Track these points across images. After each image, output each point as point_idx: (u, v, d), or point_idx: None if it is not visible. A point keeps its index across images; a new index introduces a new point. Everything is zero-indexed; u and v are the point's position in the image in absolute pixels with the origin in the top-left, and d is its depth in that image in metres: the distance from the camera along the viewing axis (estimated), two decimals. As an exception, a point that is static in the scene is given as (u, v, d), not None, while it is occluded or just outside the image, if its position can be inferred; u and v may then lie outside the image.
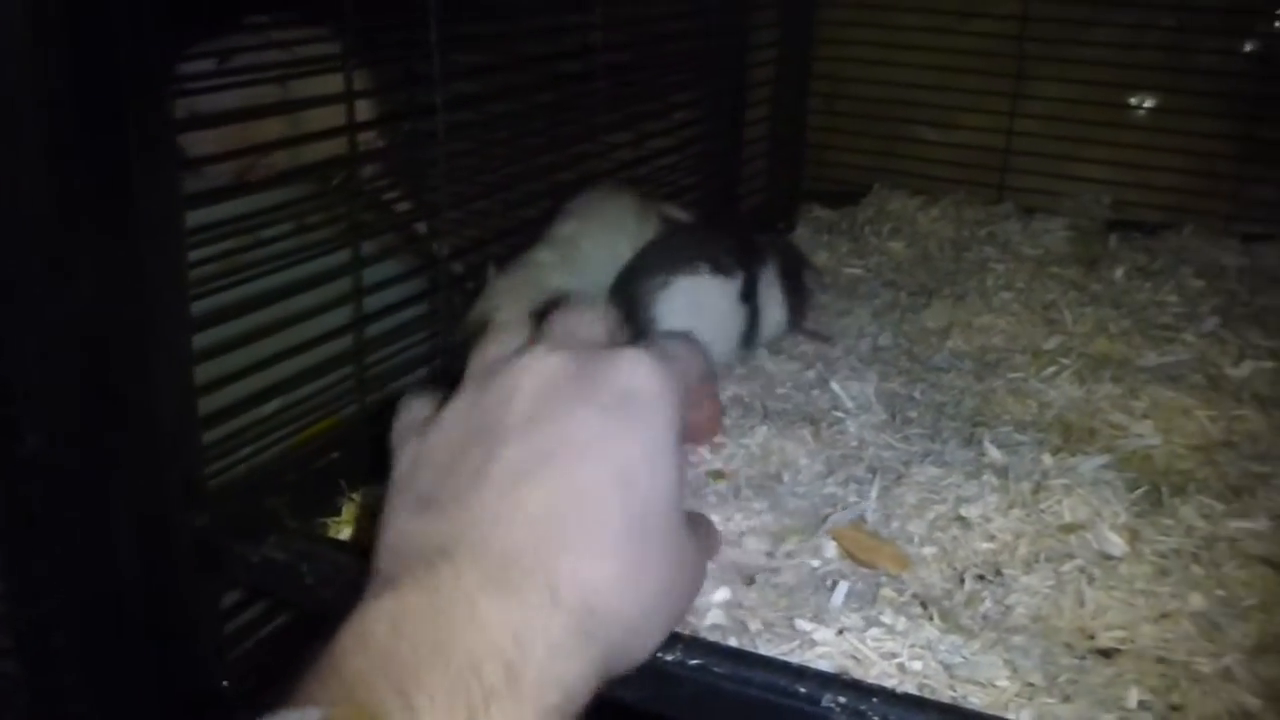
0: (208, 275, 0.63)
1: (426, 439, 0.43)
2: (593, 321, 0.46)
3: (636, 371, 0.41)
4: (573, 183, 1.01)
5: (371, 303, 0.77)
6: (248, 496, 0.65)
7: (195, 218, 0.61)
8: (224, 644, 0.66)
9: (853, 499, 0.65)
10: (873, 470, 0.69)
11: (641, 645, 0.41)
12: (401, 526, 0.41)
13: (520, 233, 0.94)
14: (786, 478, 0.69)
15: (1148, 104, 1.23)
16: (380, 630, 0.36)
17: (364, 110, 0.75)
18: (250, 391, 0.69)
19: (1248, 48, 1.17)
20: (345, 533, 0.67)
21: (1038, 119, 1.23)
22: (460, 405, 0.43)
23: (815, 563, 0.60)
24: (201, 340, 0.62)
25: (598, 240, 0.86)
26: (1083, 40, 1.20)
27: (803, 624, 0.54)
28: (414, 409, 0.46)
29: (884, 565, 0.59)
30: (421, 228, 0.87)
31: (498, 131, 0.91)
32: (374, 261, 0.79)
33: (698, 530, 0.46)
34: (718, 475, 0.69)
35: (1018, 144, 1.24)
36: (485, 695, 0.34)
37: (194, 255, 0.61)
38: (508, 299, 0.81)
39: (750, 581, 0.58)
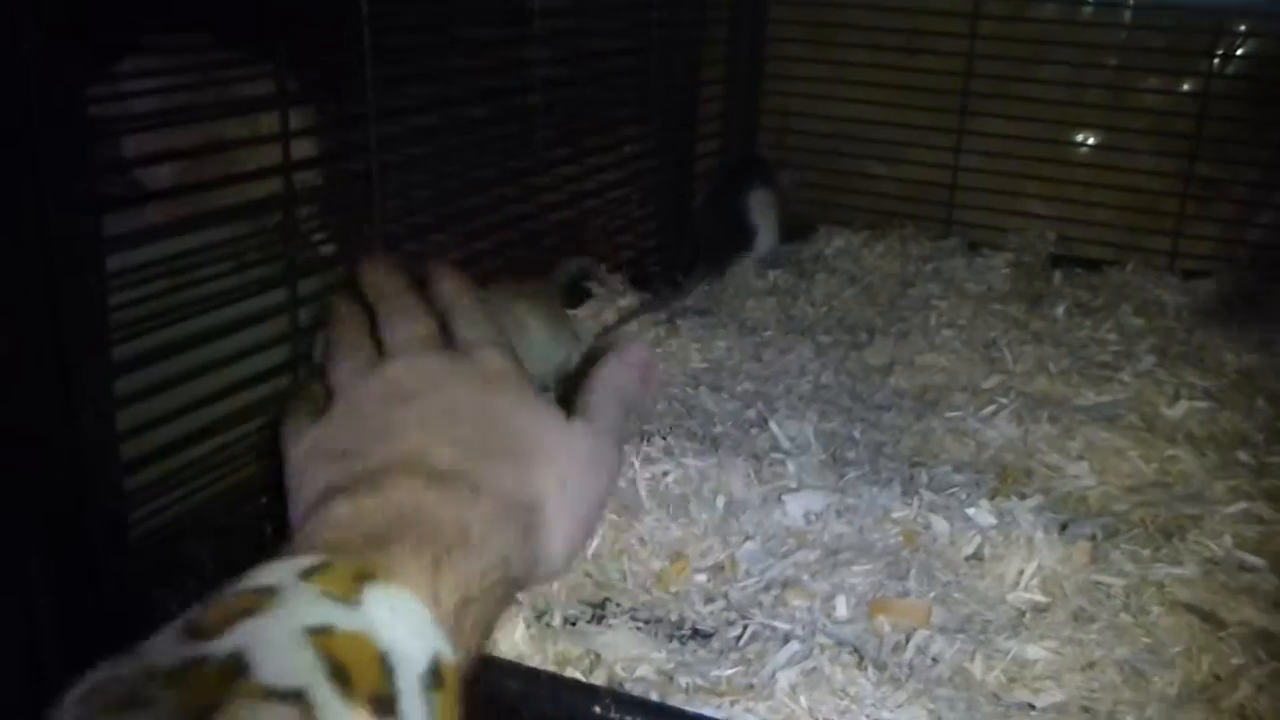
0: (131, 319, 0.62)
1: (330, 416, 0.51)
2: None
3: (494, 360, 0.52)
4: (522, 216, 1.02)
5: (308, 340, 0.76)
6: (172, 543, 0.64)
7: (117, 261, 0.60)
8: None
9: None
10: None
11: (560, 530, 0.48)
12: (327, 476, 0.48)
13: (469, 266, 0.93)
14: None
15: (1091, 141, 1.24)
16: (345, 514, 0.44)
17: (300, 149, 0.74)
18: (180, 434, 0.68)
19: (1186, 87, 1.18)
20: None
21: (983, 155, 1.25)
22: (352, 393, 0.52)
23: (756, 614, 0.59)
24: (127, 385, 0.61)
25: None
26: (1027, 78, 1.21)
27: (737, 679, 0.53)
28: (301, 410, 0.54)
29: (904, 618, 0.59)
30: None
31: (437, 168, 0.90)
32: (312, 300, 0.78)
33: (600, 433, 0.52)
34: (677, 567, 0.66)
35: (964, 179, 1.26)
36: (445, 548, 0.42)
37: (116, 299, 0.60)
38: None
39: (690, 635, 0.58)
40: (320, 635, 0.37)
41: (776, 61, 1.34)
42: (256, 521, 0.68)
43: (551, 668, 0.55)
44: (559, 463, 0.49)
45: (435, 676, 0.39)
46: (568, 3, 1.05)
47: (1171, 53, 1.19)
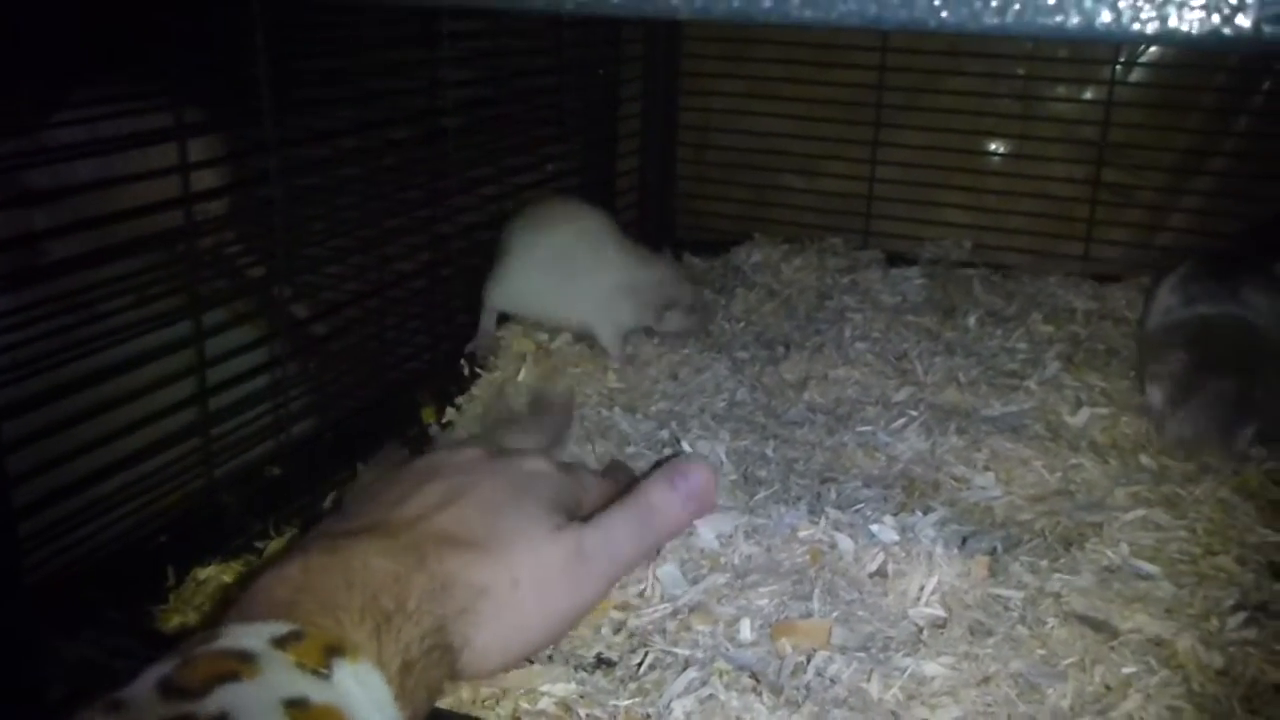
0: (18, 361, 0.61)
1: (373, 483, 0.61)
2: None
3: (534, 463, 0.61)
4: (445, 236, 1.01)
5: (217, 374, 0.76)
6: (69, 587, 0.63)
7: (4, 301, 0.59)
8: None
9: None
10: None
11: (498, 625, 0.51)
12: (319, 528, 0.54)
13: (385, 289, 0.93)
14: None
15: (1003, 150, 1.26)
16: (294, 572, 0.47)
17: (202, 180, 0.73)
18: (78, 475, 0.66)
19: (1091, 94, 1.21)
20: (174, 621, 0.65)
21: (899, 166, 1.26)
22: (402, 469, 0.60)
23: (658, 641, 0.59)
24: (19, 427, 0.60)
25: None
26: (938, 89, 1.23)
27: (635, 709, 0.53)
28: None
29: (805, 639, 0.59)
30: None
31: (344, 193, 0.89)
32: (216, 333, 0.77)
33: (589, 556, 0.56)
34: None
35: (881, 191, 1.27)
36: (386, 615, 0.46)
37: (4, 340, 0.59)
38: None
39: (595, 665, 0.58)
40: (296, 708, 0.40)
41: (693, 78, 1.35)
42: (158, 564, 0.67)
43: (464, 700, 0.55)
44: (519, 564, 0.52)
45: None
46: (479, 24, 1.05)
47: (1077, 61, 1.21)
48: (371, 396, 0.92)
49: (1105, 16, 0.29)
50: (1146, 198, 1.19)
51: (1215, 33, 0.28)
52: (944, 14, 0.32)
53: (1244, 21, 0.28)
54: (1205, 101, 1.17)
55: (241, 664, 0.41)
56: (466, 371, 0.95)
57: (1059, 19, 0.30)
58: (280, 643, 0.43)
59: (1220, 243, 1.10)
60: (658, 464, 0.70)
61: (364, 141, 0.92)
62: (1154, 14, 0.28)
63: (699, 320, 1.00)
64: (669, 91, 1.35)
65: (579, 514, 0.60)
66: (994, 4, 0.31)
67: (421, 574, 0.49)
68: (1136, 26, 0.29)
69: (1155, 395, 0.80)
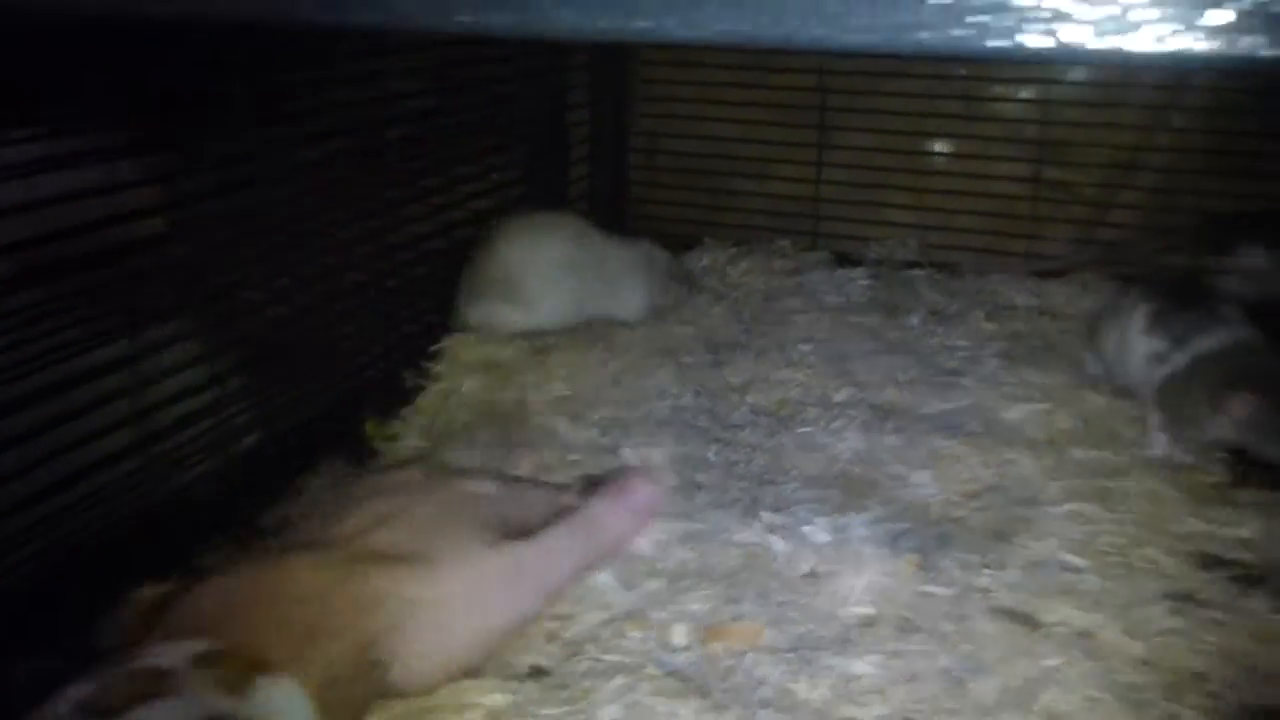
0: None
1: None
2: None
3: (478, 484, 0.60)
4: (391, 247, 1.02)
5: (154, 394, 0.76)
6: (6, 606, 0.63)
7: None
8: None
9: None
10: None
11: (430, 639, 0.51)
12: (252, 545, 0.57)
13: (328, 303, 0.94)
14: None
15: (946, 150, 1.27)
16: (221, 589, 0.47)
17: (138, 199, 0.73)
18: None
19: (1024, 94, 1.22)
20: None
21: (844, 168, 1.27)
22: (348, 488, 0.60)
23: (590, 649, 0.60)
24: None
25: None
26: (881, 90, 1.24)
27: (564, 719, 0.54)
28: None
29: (736, 642, 0.60)
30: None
31: (284, 206, 0.89)
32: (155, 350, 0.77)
33: (526, 569, 0.55)
34: None
35: (827, 192, 1.28)
36: (311, 631, 0.46)
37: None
38: None
39: (528, 674, 0.59)
40: None
41: (644, 84, 1.35)
42: (88, 589, 0.67)
43: (396, 715, 0.55)
44: (450, 580, 0.52)
45: None
46: (423, 37, 1.05)
47: (1015, 60, 1.22)
48: (315, 410, 0.92)
49: (957, 31, 0.29)
50: (1087, 195, 1.21)
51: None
52: (816, 31, 0.32)
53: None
54: (1141, 99, 1.18)
55: (161, 683, 0.41)
56: (411, 384, 0.95)
57: (921, 35, 0.31)
58: (201, 661, 0.43)
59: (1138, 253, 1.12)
60: (603, 477, 0.70)
61: (306, 154, 0.92)
62: (994, 30, 0.29)
63: (688, 288, 1.11)
64: (618, 98, 1.36)
65: (525, 530, 0.60)
66: (863, 20, 0.32)
67: (350, 590, 0.49)
68: (992, 43, 0.30)
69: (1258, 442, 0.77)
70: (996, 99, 1.24)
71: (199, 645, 0.43)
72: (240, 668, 0.43)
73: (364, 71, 0.98)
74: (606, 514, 0.62)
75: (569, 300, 1.03)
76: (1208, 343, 0.79)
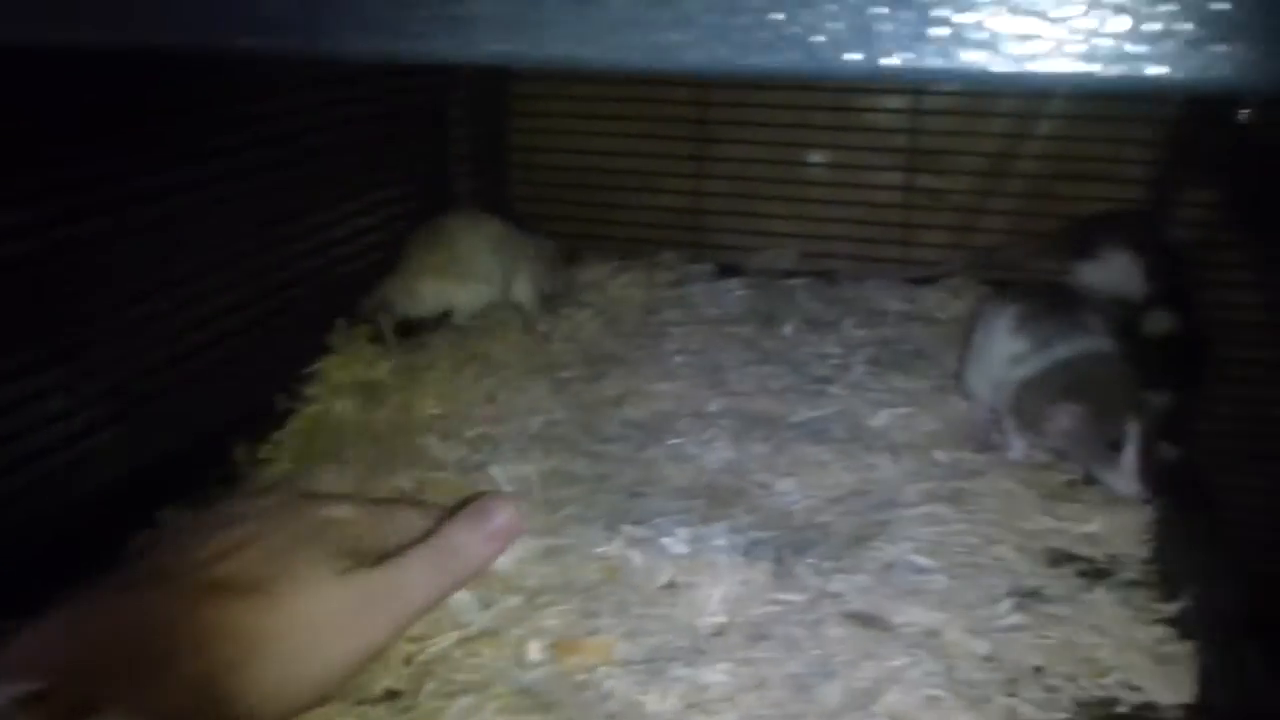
0: None
1: None
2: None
3: (335, 509, 0.58)
4: (269, 269, 1.00)
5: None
6: None
7: None
8: None
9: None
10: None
11: (271, 676, 0.49)
12: (97, 579, 0.51)
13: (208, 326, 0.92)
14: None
15: (822, 160, 1.29)
16: (55, 626, 0.46)
17: None
18: None
19: (894, 104, 1.25)
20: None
21: (725, 179, 1.29)
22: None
23: (440, 670, 0.59)
24: None
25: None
26: (758, 102, 1.26)
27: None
28: None
29: (589, 656, 0.60)
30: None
31: (150, 232, 0.88)
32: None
33: (375, 599, 0.54)
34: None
35: (708, 204, 1.29)
36: (148, 666, 0.45)
37: None
38: None
39: (380, 698, 0.58)
40: None
41: (524, 99, 1.36)
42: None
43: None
44: (297, 611, 0.51)
45: None
46: (301, 56, 1.04)
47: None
48: (184, 438, 0.90)
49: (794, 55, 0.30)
50: (957, 202, 1.24)
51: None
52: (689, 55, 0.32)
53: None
54: (1007, 107, 1.22)
55: None
56: (284, 407, 0.94)
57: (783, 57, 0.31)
58: (23, 703, 0.41)
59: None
60: (467, 500, 0.70)
61: (175, 177, 0.91)
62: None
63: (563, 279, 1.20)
64: (498, 113, 1.36)
65: (382, 556, 0.59)
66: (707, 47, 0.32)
67: (191, 623, 0.49)
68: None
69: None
70: (868, 109, 1.26)
71: (22, 687, 0.42)
72: (64, 709, 0.42)
73: (236, 95, 0.97)
74: (464, 539, 0.61)
75: (500, 284, 1.11)
76: (1064, 350, 0.81)
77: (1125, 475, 0.75)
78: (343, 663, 0.55)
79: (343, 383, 0.96)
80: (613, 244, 1.31)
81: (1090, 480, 0.80)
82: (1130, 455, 0.75)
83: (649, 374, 0.97)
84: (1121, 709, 0.57)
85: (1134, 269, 1.06)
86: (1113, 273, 1.08)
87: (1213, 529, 0.75)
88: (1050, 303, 0.86)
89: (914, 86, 1.22)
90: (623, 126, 1.30)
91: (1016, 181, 1.23)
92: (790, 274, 1.22)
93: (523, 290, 1.13)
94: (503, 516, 0.63)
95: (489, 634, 0.62)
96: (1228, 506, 0.80)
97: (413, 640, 0.62)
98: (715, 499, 0.77)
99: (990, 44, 0.29)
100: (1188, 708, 0.57)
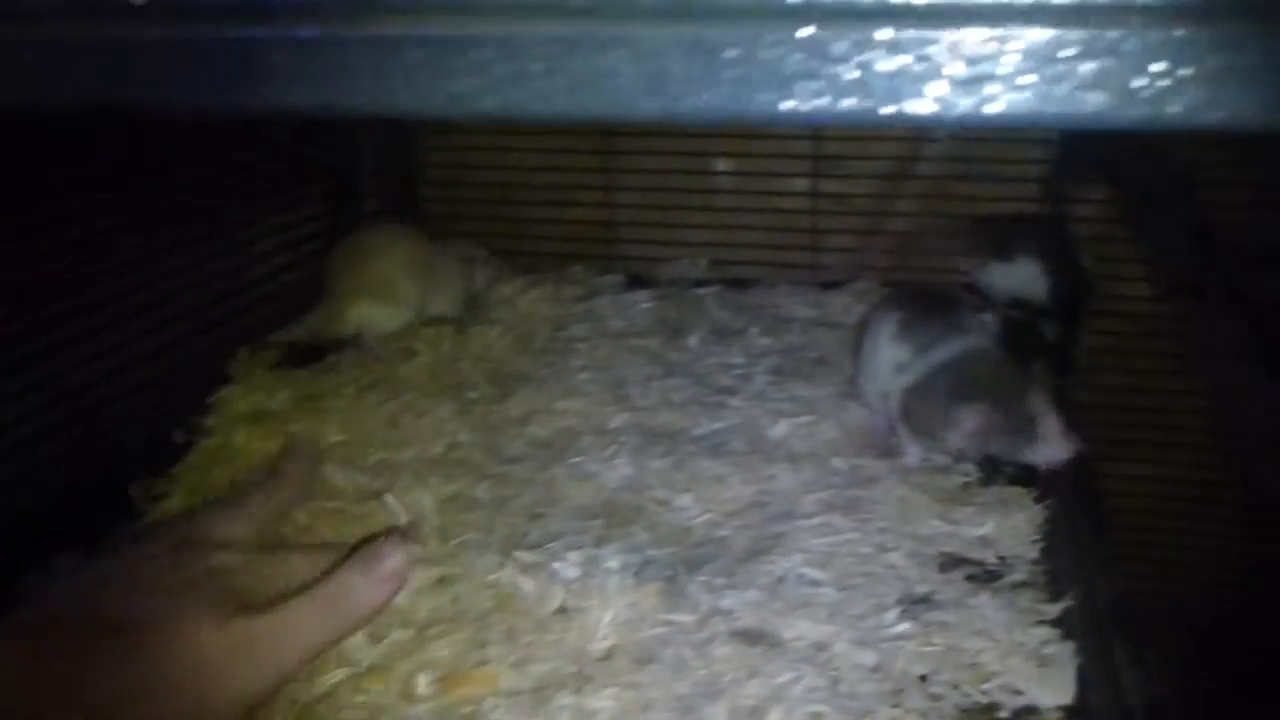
0: None
1: None
2: None
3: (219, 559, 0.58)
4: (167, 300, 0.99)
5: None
6: None
7: None
8: None
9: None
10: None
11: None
12: None
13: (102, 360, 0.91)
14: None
15: (730, 168, 1.30)
16: None
17: None
18: None
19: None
20: None
21: (635, 190, 1.29)
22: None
23: (321, 710, 0.59)
24: None
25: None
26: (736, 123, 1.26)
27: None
28: None
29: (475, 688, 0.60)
30: None
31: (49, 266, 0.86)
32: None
33: (252, 644, 0.54)
34: None
35: (619, 215, 1.30)
36: (20, 715, 0.46)
37: None
38: None
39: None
40: None
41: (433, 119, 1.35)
42: None
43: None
44: (170, 659, 0.51)
45: None
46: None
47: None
48: (79, 475, 0.89)
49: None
50: (862, 205, 1.25)
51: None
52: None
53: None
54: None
55: None
56: (182, 440, 0.92)
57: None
58: None
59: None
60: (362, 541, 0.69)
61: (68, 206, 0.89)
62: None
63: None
64: (408, 131, 1.35)
65: (269, 601, 0.58)
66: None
67: (60, 671, 0.48)
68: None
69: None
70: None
71: None
72: None
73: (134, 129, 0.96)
74: (354, 584, 0.59)
75: (421, 298, 1.11)
76: (942, 353, 0.82)
77: (1052, 442, 0.78)
78: (225, 710, 0.54)
79: (242, 412, 0.94)
80: (526, 259, 1.30)
81: (986, 481, 0.82)
82: (1048, 422, 0.78)
83: (555, 391, 0.96)
84: (1003, 714, 0.58)
85: (1041, 277, 1.08)
86: (1021, 278, 1.09)
87: (1098, 525, 0.76)
88: (928, 307, 0.88)
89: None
90: (532, 141, 1.29)
91: (919, 184, 1.25)
92: (701, 283, 1.22)
93: (445, 303, 1.14)
94: (394, 560, 0.61)
95: (378, 669, 0.61)
96: (1114, 498, 0.81)
97: (300, 680, 0.62)
98: (613, 518, 0.77)
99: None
100: (1066, 709, 0.58)
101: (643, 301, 1.15)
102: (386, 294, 1.08)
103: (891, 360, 0.85)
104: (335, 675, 0.61)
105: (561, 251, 1.30)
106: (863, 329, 0.93)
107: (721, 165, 1.30)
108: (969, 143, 1.21)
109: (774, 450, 0.84)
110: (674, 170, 1.27)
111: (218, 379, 1.00)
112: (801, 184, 1.25)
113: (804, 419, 0.88)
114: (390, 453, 0.88)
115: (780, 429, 0.87)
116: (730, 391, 0.94)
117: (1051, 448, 0.78)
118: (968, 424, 0.78)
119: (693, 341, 1.05)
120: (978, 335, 0.83)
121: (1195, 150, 1.07)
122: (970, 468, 0.84)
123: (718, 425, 0.88)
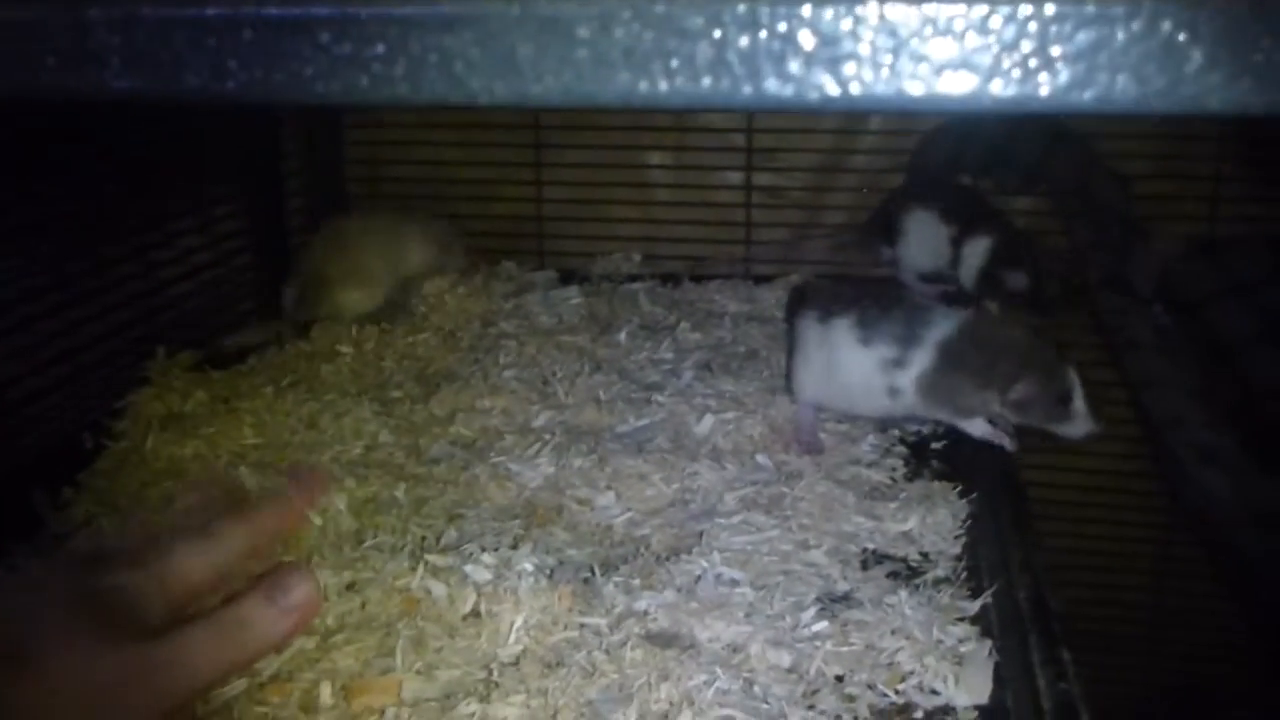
0: None
1: None
2: None
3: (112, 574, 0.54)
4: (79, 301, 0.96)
5: None
6: None
7: None
8: None
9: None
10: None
11: None
12: None
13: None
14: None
15: (663, 161, 1.29)
16: None
17: None
18: None
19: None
20: None
21: (565, 185, 1.27)
22: None
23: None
24: None
25: None
26: (594, 106, 1.24)
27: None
28: None
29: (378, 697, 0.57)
30: None
31: None
32: None
33: (160, 667, 0.51)
34: None
35: (550, 210, 1.28)
36: None
37: None
38: None
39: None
40: None
41: (360, 110, 1.32)
42: None
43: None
44: (62, 684, 0.49)
45: None
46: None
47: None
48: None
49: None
50: (796, 198, 1.24)
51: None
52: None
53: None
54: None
55: None
56: (92, 445, 0.89)
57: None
58: None
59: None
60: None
61: None
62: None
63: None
64: (332, 125, 1.32)
65: (166, 626, 0.55)
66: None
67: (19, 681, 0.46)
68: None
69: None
70: (705, 110, 1.26)
71: None
72: None
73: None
74: (257, 614, 0.55)
75: (395, 280, 1.16)
76: (936, 334, 0.81)
77: (1082, 420, 0.79)
78: None
79: (153, 416, 0.91)
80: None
81: (912, 476, 0.81)
82: (1080, 401, 0.79)
83: (480, 389, 0.94)
84: (917, 715, 0.57)
85: (940, 225, 1.08)
86: (924, 237, 1.09)
87: (1021, 520, 0.76)
88: (876, 302, 0.84)
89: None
90: (460, 135, 1.27)
91: (850, 175, 1.24)
92: (634, 278, 1.21)
93: (415, 285, 1.17)
94: (300, 590, 0.58)
95: (280, 679, 0.59)
96: (1037, 490, 0.81)
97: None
98: (532, 518, 0.75)
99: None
100: (981, 709, 0.57)
101: (573, 297, 1.13)
102: (365, 279, 1.14)
103: (875, 362, 0.82)
104: (236, 686, 0.59)
105: (488, 247, 1.27)
106: (798, 329, 0.89)
107: (655, 159, 1.28)
108: (900, 136, 1.20)
109: (698, 447, 0.83)
110: (606, 164, 1.25)
111: (133, 381, 0.97)
112: (736, 177, 1.24)
113: (729, 415, 0.87)
114: (307, 454, 0.86)
115: (705, 425, 0.86)
116: (657, 388, 0.92)
117: (1081, 424, 0.80)
118: (1018, 393, 0.78)
119: (622, 337, 1.03)
120: (951, 309, 0.83)
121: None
122: (897, 462, 0.83)
123: (643, 422, 0.87)
